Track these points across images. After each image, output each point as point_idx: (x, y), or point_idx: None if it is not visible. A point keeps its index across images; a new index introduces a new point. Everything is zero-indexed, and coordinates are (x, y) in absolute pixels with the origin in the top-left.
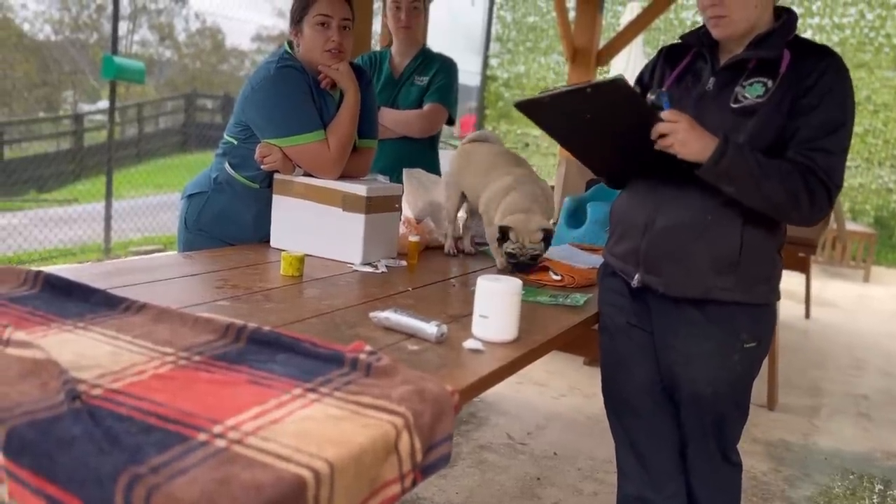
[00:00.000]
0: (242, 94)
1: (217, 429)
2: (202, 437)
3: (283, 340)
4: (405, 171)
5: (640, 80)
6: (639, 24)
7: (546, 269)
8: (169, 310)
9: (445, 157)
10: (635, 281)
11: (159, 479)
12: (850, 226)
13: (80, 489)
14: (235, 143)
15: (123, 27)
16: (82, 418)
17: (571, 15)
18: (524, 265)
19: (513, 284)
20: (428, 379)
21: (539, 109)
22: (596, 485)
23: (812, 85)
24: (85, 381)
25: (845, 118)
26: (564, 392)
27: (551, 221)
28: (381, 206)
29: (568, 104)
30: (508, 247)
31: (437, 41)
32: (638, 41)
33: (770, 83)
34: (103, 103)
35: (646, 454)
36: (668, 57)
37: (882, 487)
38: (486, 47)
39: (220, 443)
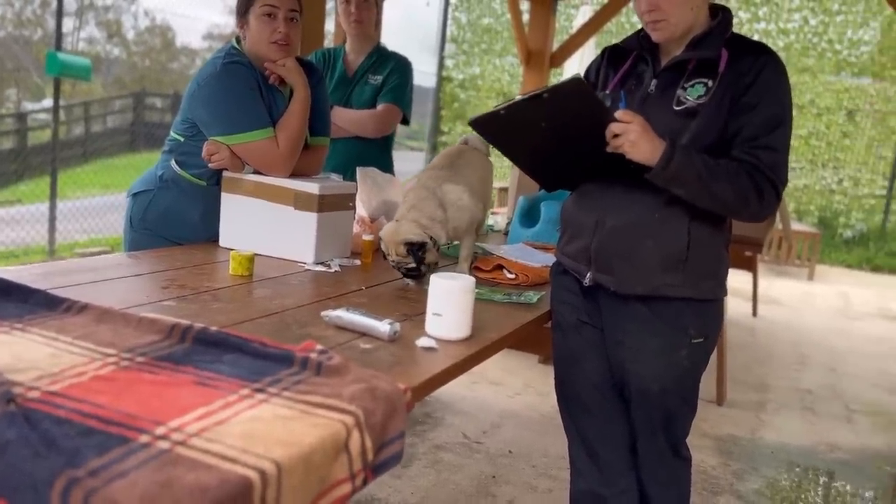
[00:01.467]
0: (189, 91)
1: (160, 430)
2: (144, 439)
3: (230, 341)
4: (359, 170)
5: (585, 79)
6: (591, 27)
7: (501, 267)
8: (112, 310)
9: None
10: (587, 279)
11: (97, 482)
12: (795, 226)
13: (13, 495)
14: (182, 140)
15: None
16: (17, 422)
17: (525, 17)
18: (413, 273)
19: (466, 282)
20: (380, 377)
21: (495, 123)
22: (550, 482)
23: (751, 83)
24: (21, 384)
25: (785, 114)
26: (519, 390)
27: (444, 237)
28: (334, 205)
29: (524, 113)
30: (388, 258)
31: (392, 41)
32: (590, 44)
33: (710, 83)
34: (48, 102)
35: (597, 450)
36: (611, 58)
37: (826, 479)
38: (442, 48)
39: (163, 444)
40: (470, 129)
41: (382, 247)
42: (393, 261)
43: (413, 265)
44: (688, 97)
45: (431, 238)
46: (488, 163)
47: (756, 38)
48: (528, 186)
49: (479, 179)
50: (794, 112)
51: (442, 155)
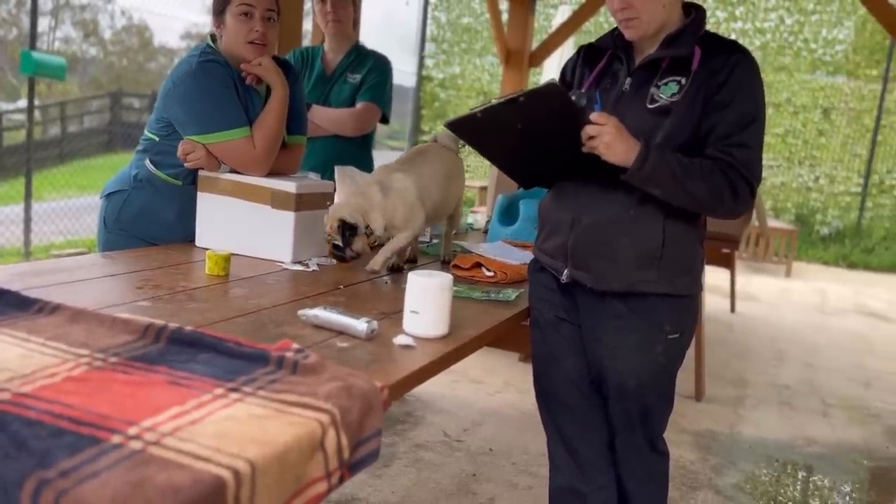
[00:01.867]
0: (164, 90)
1: (132, 430)
2: (116, 439)
3: (205, 340)
4: (337, 169)
5: (562, 78)
6: (570, 27)
7: (479, 265)
8: (85, 311)
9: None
10: (564, 276)
11: (68, 483)
12: (773, 223)
13: None
14: (157, 139)
15: (45, 23)
16: None
17: (505, 17)
18: (337, 252)
19: (443, 279)
20: (356, 375)
21: (471, 125)
22: (531, 478)
23: (724, 81)
24: None
25: (758, 111)
26: (500, 388)
27: (380, 224)
28: (311, 204)
29: (500, 116)
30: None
31: (372, 41)
32: (569, 43)
33: (684, 80)
34: (23, 102)
35: (576, 446)
36: (586, 56)
37: (805, 474)
38: (422, 48)
39: (136, 444)
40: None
41: (325, 219)
42: (326, 234)
43: (339, 243)
44: (661, 95)
45: (368, 227)
46: (455, 160)
47: (733, 37)
48: (507, 185)
49: (439, 176)
50: (771, 110)
51: (408, 151)
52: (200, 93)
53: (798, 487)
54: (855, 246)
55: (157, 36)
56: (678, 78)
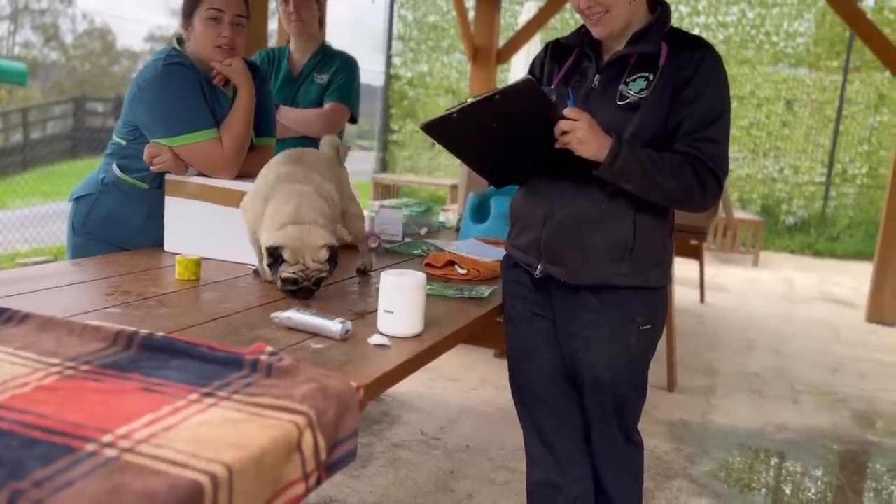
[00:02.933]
0: (129, 94)
1: (106, 438)
2: (90, 447)
3: (177, 346)
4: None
5: (531, 74)
6: (536, 24)
7: (452, 263)
8: (54, 319)
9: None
10: (538, 271)
11: (42, 493)
12: (739, 214)
13: None
14: (124, 143)
15: (3, 28)
16: None
17: (471, 15)
18: (306, 291)
19: (416, 279)
20: (331, 376)
21: (447, 127)
22: (508, 474)
23: (691, 77)
24: None
25: (724, 106)
26: (476, 385)
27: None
28: None
29: (476, 115)
30: (286, 270)
31: (339, 40)
32: (536, 40)
33: (651, 77)
34: None
35: (552, 440)
36: (554, 53)
37: (777, 460)
38: (389, 46)
39: (110, 452)
40: (421, 130)
41: (287, 256)
42: (299, 273)
43: (325, 275)
44: (630, 91)
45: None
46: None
47: (696, 31)
48: (478, 183)
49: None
50: (735, 103)
51: (281, 156)
52: (166, 95)
53: (771, 473)
54: (820, 235)
55: (120, 39)
56: (646, 74)
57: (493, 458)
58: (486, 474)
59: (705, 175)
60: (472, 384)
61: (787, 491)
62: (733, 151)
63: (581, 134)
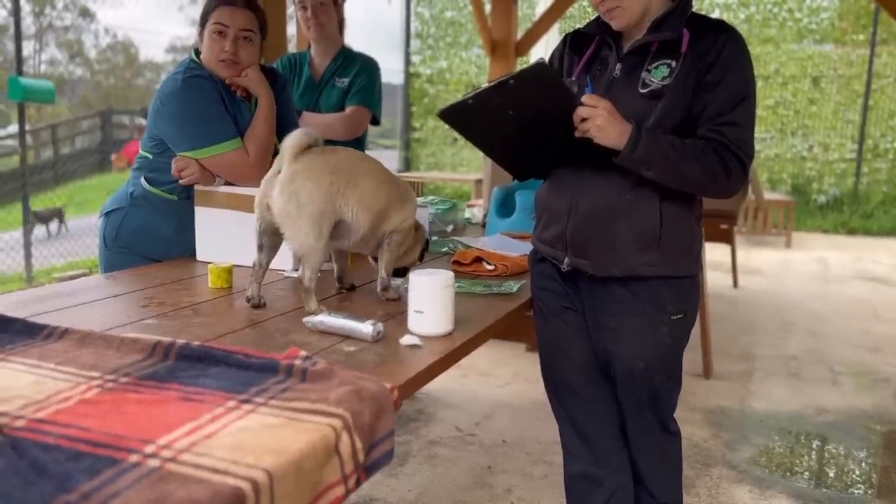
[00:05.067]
0: (153, 108)
1: (149, 449)
2: (134, 458)
3: (214, 354)
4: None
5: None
6: (554, 13)
7: (480, 259)
8: (92, 333)
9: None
10: (564, 264)
11: None
12: (769, 195)
13: None
14: (151, 157)
15: (29, 47)
16: (5, 452)
17: (488, 8)
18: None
19: (444, 277)
20: (365, 378)
21: (463, 113)
22: (545, 467)
23: (714, 61)
24: (7, 414)
25: (748, 89)
26: (509, 380)
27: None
28: None
29: (491, 101)
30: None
31: (357, 41)
32: (554, 30)
33: (674, 63)
34: (14, 128)
35: (588, 432)
36: (573, 44)
37: (819, 443)
38: (407, 44)
39: (153, 462)
40: (442, 121)
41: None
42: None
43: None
44: (652, 79)
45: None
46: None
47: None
48: (501, 177)
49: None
50: (760, 82)
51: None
52: (188, 109)
53: (813, 457)
54: (853, 212)
55: (142, 51)
56: (668, 61)
57: (529, 452)
58: (524, 468)
59: (729, 159)
60: (505, 379)
61: (831, 474)
62: (760, 132)
63: (600, 121)
